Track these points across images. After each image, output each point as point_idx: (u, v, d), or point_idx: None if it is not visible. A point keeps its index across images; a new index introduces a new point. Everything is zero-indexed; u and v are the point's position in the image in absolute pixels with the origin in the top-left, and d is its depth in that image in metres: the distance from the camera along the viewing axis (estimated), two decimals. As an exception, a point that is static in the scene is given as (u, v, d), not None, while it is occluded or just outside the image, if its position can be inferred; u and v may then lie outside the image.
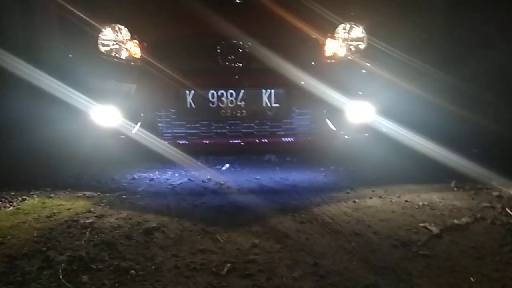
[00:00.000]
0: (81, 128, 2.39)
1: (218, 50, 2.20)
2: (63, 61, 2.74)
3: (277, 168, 2.60)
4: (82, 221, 1.88)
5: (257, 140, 2.26)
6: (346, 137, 2.32)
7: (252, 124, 2.24)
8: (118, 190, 2.26)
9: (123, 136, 2.28)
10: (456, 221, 1.85)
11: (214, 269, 1.53)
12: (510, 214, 1.92)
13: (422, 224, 1.84)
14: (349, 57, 2.31)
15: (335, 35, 2.30)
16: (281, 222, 1.88)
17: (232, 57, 2.20)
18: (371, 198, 2.14)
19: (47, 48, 3.53)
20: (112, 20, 2.33)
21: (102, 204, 2.07)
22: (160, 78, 2.20)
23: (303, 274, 1.50)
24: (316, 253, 1.63)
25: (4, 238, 1.74)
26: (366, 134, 2.35)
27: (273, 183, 2.37)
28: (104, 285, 1.45)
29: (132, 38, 2.29)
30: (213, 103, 2.21)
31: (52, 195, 2.19)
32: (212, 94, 2.20)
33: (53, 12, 3.58)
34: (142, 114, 2.26)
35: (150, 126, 2.26)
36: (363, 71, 2.31)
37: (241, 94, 2.20)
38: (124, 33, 2.31)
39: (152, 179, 2.43)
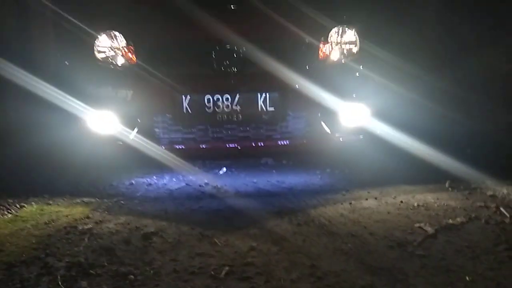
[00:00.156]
0: (78, 134, 2.39)
1: (213, 55, 2.22)
2: (59, 68, 2.75)
3: (274, 171, 2.61)
4: (80, 227, 1.89)
5: (253, 144, 2.28)
6: (341, 139, 2.34)
7: (248, 128, 2.26)
8: (116, 195, 2.27)
9: (120, 142, 2.30)
10: (451, 221, 1.88)
11: (212, 272, 1.54)
12: (504, 214, 1.94)
13: (417, 225, 1.86)
14: (343, 60, 2.34)
15: (328, 39, 2.32)
16: (278, 224, 1.90)
17: (227, 62, 2.22)
18: (366, 199, 2.16)
19: (43, 55, 3.53)
20: (107, 26, 2.35)
21: (101, 210, 2.08)
22: (156, 83, 2.21)
23: (300, 276, 1.51)
24: (313, 255, 1.64)
25: (3, 245, 1.74)
26: (360, 136, 2.38)
27: (270, 186, 2.38)
28: (103, 291, 1.45)
29: (127, 44, 2.31)
30: (209, 107, 2.22)
31: (50, 202, 2.20)
32: (208, 98, 2.22)
33: (49, 19, 3.59)
34: (138, 120, 2.27)
35: (147, 132, 2.27)
36: (357, 74, 2.34)
37: (236, 99, 2.22)
38: (120, 39, 2.32)
39: (150, 184, 2.44)
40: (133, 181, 2.48)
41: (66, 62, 2.60)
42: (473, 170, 2.35)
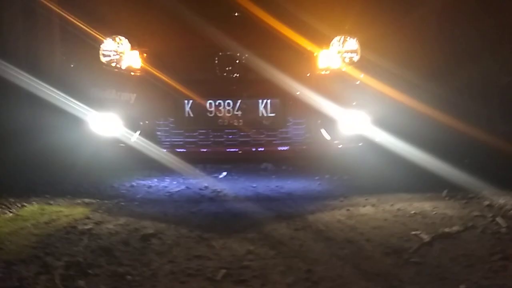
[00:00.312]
0: (81, 136, 2.43)
1: (216, 61, 2.26)
2: (64, 71, 2.80)
3: (273, 176, 2.64)
4: (80, 227, 1.91)
5: (253, 149, 2.31)
6: (340, 146, 2.36)
7: (248, 133, 2.29)
8: (117, 197, 2.30)
9: (123, 144, 2.33)
10: (447, 230, 1.88)
11: (209, 275, 1.55)
12: (500, 223, 1.95)
13: (413, 232, 1.87)
14: (343, 69, 2.37)
15: (330, 47, 2.36)
16: (275, 229, 1.91)
17: (230, 68, 2.25)
18: (364, 206, 2.17)
19: (48, 58, 3.58)
20: (113, 31, 2.39)
21: (101, 211, 2.10)
22: (159, 88, 2.25)
23: (296, 280, 1.53)
24: (309, 260, 1.66)
25: (2, 243, 1.76)
26: (360, 144, 2.40)
27: (269, 191, 2.40)
28: (100, 290, 1.47)
29: (132, 49, 2.35)
30: (210, 112, 2.25)
31: (51, 202, 2.22)
32: (210, 103, 2.25)
33: (55, 24, 3.64)
34: (141, 123, 2.31)
35: (149, 135, 2.30)
36: (357, 82, 2.37)
37: (238, 104, 2.25)
38: (125, 44, 2.37)
39: (150, 187, 2.47)
40: (134, 183, 2.50)
41: (71, 65, 2.64)
42: (471, 179, 2.36)
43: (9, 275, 1.54)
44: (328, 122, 2.31)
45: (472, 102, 3.08)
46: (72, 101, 2.45)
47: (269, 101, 2.26)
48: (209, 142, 2.30)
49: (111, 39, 2.38)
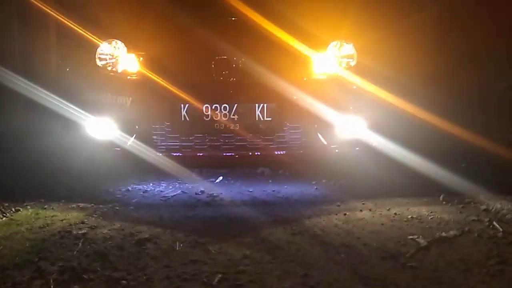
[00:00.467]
0: (76, 140, 2.42)
1: (212, 65, 2.26)
2: (60, 75, 2.79)
3: (270, 181, 2.63)
4: (75, 232, 1.89)
5: (250, 153, 2.31)
6: (337, 151, 2.36)
7: (245, 137, 2.29)
8: (112, 201, 2.28)
9: (118, 148, 2.32)
10: (444, 234, 1.88)
11: (205, 279, 1.54)
12: (497, 228, 1.95)
13: (410, 237, 1.87)
14: (340, 73, 2.37)
15: (326, 52, 2.37)
16: (272, 233, 1.90)
17: (226, 72, 2.25)
18: (361, 211, 2.17)
19: (44, 62, 3.58)
20: (109, 35, 2.39)
21: (96, 215, 2.09)
22: (156, 91, 2.25)
23: (293, 284, 1.52)
24: (306, 264, 1.65)
25: (-4, 248, 1.75)
26: (356, 148, 2.40)
27: (266, 196, 2.40)
28: (95, 295, 1.45)
29: (128, 52, 2.35)
30: (207, 116, 2.25)
31: (46, 206, 2.20)
32: (206, 107, 2.25)
33: (51, 28, 3.64)
34: (137, 127, 2.30)
35: (145, 139, 2.29)
36: (354, 87, 2.37)
37: (234, 108, 2.25)
38: (121, 47, 2.36)
39: (146, 191, 2.45)
40: (129, 188, 2.49)
41: (67, 68, 2.64)
42: (467, 184, 2.37)
43: (2, 280, 1.53)
44: (324, 126, 2.31)
45: (469, 107, 3.10)
46: (67, 105, 2.44)
47: (265, 105, 2.26)
48: (205, 146, 2.30)
49: (107, 43, 2.38)
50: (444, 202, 2.28)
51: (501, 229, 1.93)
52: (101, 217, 2.07)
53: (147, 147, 2.28)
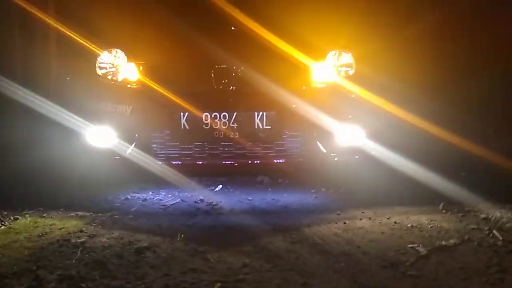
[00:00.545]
0: (76, 148, 2.42)
1: (212, 74, 2.27)
2: (60, 84, 2.80)
3: (269, 189, 2.63)
4: (73, 241, 1.88)
5: (249, 161, 2.31)
6: (336, 159, 2.37)
7: (244, 146, 2.29)
8: (111, 210, 2.28)
9: (118, 157, 2.32)
10: (443, 243, 1.88)
11: (204, 288, 1.53)
12: (496, 236, 1.95)
13: (410, 245, 1.86)
14: (339, 82, 2.39)
15: (325, 61, 2.38)
16: (272, 242, 1.90)
17: (226, 80, 2.27)
18: (361, 219, 2.17)
19: (44, 71, 3.59)
20: (109, 44, 2.40)
21: (94, 224, 2.08)
22: (155, 100, 2.26)
23: (293, 293, 1.51)
24: (305, 273, 1.64)
25: (-5, 257, 1.74)
26: (356, 157, 2.41)
27: (265, 204, 2.39)
28: (93, 304, 1.45)
29: (128, 61, 2.36)
30: (206, 125, 2.26)
31: (44, 215, 2.20)
32: (206, 116, 2.25)
33: (52, 37, 3.67)
34: (136, 135, 2.30)
35: (145, 147, 2.30)
36: (353, 95, 2.39)
37: (234, 116, 2.25)
38: (121, 56, 2.38)
39: (145, 200, 2.45)
40: (128, 196, 2.48)
41: (67, 78, 2.65)
42: (467, 193, 2.37)
43: (0, 288, 1.52)
44: (324, 135, 2.31)
45: (467, 116, 3.11)
46: (67, 114, 2.44)
47: (265, 113, 2.27)
48: (205, 155, 2.30)
49: (107, 52, 2.40)
50: (443, 211, 2.28)
51: (501, 238, 1.93)
52: (100, 226, 2.06)
53: (146, 156, 2.28)
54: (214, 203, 2.37)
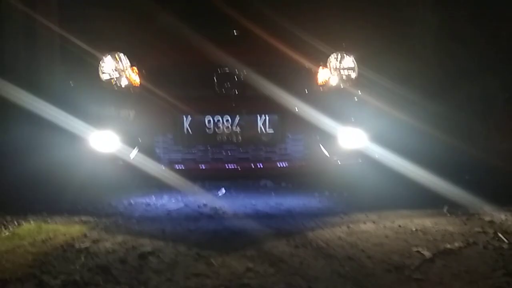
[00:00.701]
0: (79, 153, 2.42)
1: (215, 78, 2.27)
2: (63, 89, 2.81)
3: (273, 193, 2.62)
4: (77, 246, 1.88)
5: (252, 165, 2.30)
6: (339, 162, 2.36)
7: (247, 150, 2.29)
8: (114, 215, 2.27)
9: (121, 161, 2.32)
10: (448, 246, 1.87)
11: (208, 293, 1.53)
12: (502, 239, 1.93)
13: (415, 249, 1.85)
14: (341, 85, 2.39)
15: (327, 64, 2.38)
16: (275, 246, 1.89)
17: (228, 84, 2.27)
18: (365, 223, 2.16)
19: (48, 76, 3.61)
20: (112, 48, 2.41)
21: (98, 229, 2.08)
22: (158, 104, 2.26)
23: (297, 298, 1.50)
24: (309, 277, 1.63)
25: (-2, 262, 1.74)
26: (359, 160, 2.40)
27: (268, 208, 2.39)
28: (97, 309, 1.44)
29: (132, 66, 2.37)
30: (209, 128, 2.26)
31: (48, 220, 2.20)
32: (209, 120, 2.25)
33: (55, 42, 3.69)
34: (139, 140, 2.30)
35: (147, 151, 2.30)
36: (355, 98, 2.38)
37: (236, 120, 2.25)
38: (124, 61, 2.39)
39: (148, 205, 2.45)
40: (131, 201, 2.48)
41: (70, 83, 2.66)
42: (471, 196, 2.36)
43: (4, 294, 1.52)
44: (326, 138, 2.31)
45: (471, 119, 3.10)
46: (71, 119, 2.45)
47: (267, 117, 2.27)
48: (208, 159, 2.30)
49: (110, 56, 2.40)
50: (448, 214, 2.27)
51: (506, 241, 1.92)
52: (103, 231, 2.06)
53: (149, 160, 2.28)
54: (217, 207, 2.37)
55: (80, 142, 2.39)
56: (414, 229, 2.06)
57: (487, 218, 2.19)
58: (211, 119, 2.25)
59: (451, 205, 2.33)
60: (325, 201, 2.50)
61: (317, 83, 2.37)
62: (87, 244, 1.90)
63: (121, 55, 2.39)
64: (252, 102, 2.27)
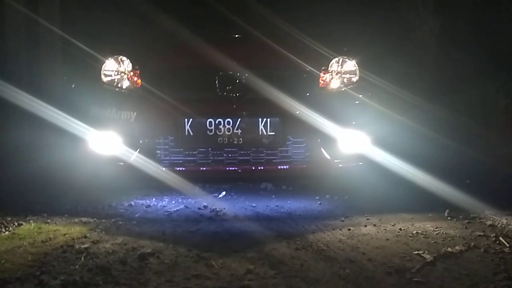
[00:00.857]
0: (81, 155, 2.43)
1: (216, 80, 2.28)
2: (65, 91, 2.82)
3: (273, 196, 2.62)
4: (77, 246, 1.88)
5: (253, 168, 2.31)
6: (340, 165, 2.36)
7: (248, 152, 2.29)
8: (115, 216, 2.27)
9: (122, 163, 2.32)
10: (449, 249, 1.86)
11: (208, 294, 1.52)
12: (503, 243, 1.93)
13: (416, 252, 1.84)
14: (342, 89, 2.39)
15: (329, 68, 2.39)
16: (276, 248, 1.89)
17: (230, 87, 2.28)
18: (365, 226, 2.15)
19: (50, 79, 3.63)
20: (114, 51, 2.42)
21: (98, 230, 2.08)
22: (160, 106, 2.27)
23: (297, 300, 1.49)
24: (310, 280, 1.63)
25: (-2, 262, 1.73)
26: (360, 163, 2.40)
27: (269, 211, 2.38)
28: (97, 310, 1.44)
29: (133, 68, 2.38)
30: (210, 131, 2.26)
31: (48, 221, 2.19)
32: (210, 122, 2.26)
33: (57, 45, 3.71)
34: (140, 141, 2.31)
35: (149, 153, 2.30)
36: (356, 102, 2.39)
37: (238, 122, 2.26)
38: (126, 63, 2.40)
39: (149, 206, 2.44)
40: (132, 203, 2.48)
41: (72, 85, 2.67)
42: (472, 199, 2.35)
43: (3, 294, 1.52)
44: (327, 141, 2.31)
45: (472, 123, 3.11)
46: (72, 120, 2.46)
47: (268, 119, 2.27)
48: (209, 161, 2.30)
49: (112, 59, 2.41)
50: (449, 218, 2.27)
51: (507, 244, 1.91)
52: (103, 232, 2.06)
53: (150, 162, 2.29)
54: (217, 209, 2.37)
55: (81, 144, 2.40)
56: (415, 232, 2.06)
57: (488, 222, 2.18)
58: (213, 121, 2.26)
59: (452, 209, 2.32)
60: (326, 204, 2.50)
61: (318, 87, 2.37)
62: (87, 244, 1.90)
63: (123, 57, 2.40)
64: (253, 105, 2.28)
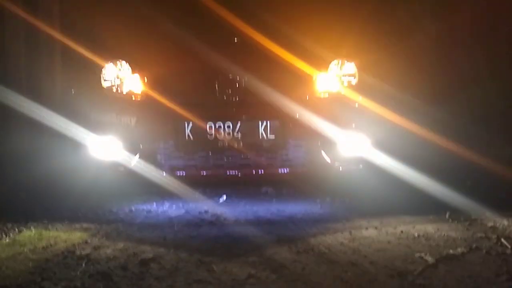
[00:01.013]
0: (81, 160, 2.42)
1: (216, 85, 2.29)
2: (65, 96, 2.83)
3: (274, 200, 2.61)
4: (78, 252, 1.87)
5: (253, 171, 2.31)
6: (340, 168, 2.36)
7: (248, 156, 2.29)
8: (116, 222, 2.27)
9: (122, 168, 2.32)
10: (451, 251, 1.86)
11: (209, 299, 1.52)
12: (505, 244, 1.92)
13: (417, 254, 1.84)
14: (342, 92, 2.39)
15: (328, 71, 2.40)
16: (277, 252, 1.88)
17: (229, 91, 2.28)
18: (367, 229, 2.15)
19: (50, 84, 3.63)
20: (114, 56, 2.43)
21: (99, 236, 2.07)
22: (160, 111, 2.27)
23: (299, 304, 1.49)
24: (312, 283, 1.62)
25: (-1, 269, 1.73)
26: (360, 166, 2.40)
27: (270, 215, 2.38)
28: (98, 316, 1.43)
29: (133, 73, 2.38)
30: (210, 135, 2.26)
31: (49, 227, 2.19)
32: (210, 126, 2.26)
33: (57, 50, 3.72)
34: (141, 146, 2.31)
35: (149, 158, 2.30)
36: (356, 105, 2.39)
37: (238, 126, 2.26)
38: (126, 68, 2.40)
39: (149, 211, 2.44)
40: (132, 208, 2.48)
41: (72, 90, 2.67)
42: (473, 201, 2.35)
43: (4, 301, 1.51)
44: (328, 144, 2.31)
45: (473, 125, 3.11)
46: (72, 125, 2.46)
47: (268, 123, 2.27)
48: (209, 165, 2.30)
49: (112, 64, 2.42)
50: (450, 220, 2.26)
51: (509, 246, 1.91)
52: (104, 237, 2.05)
53: (151, 166, 2.29)
54: (218, 214, 2.36)
55: (81, 149, 2.40)
56: (416, 235, 2.05)
57: (490, 224, 2.18)
58: (213, 125, 2.26)
59: (453, 211, 2.32)
60: (327, 207, 2.49)
61: (318, 90, 2.38)
62: (88, 250, 1.89)
63: (123, 62, 2.40)
64: (253, 109, 2.28)
